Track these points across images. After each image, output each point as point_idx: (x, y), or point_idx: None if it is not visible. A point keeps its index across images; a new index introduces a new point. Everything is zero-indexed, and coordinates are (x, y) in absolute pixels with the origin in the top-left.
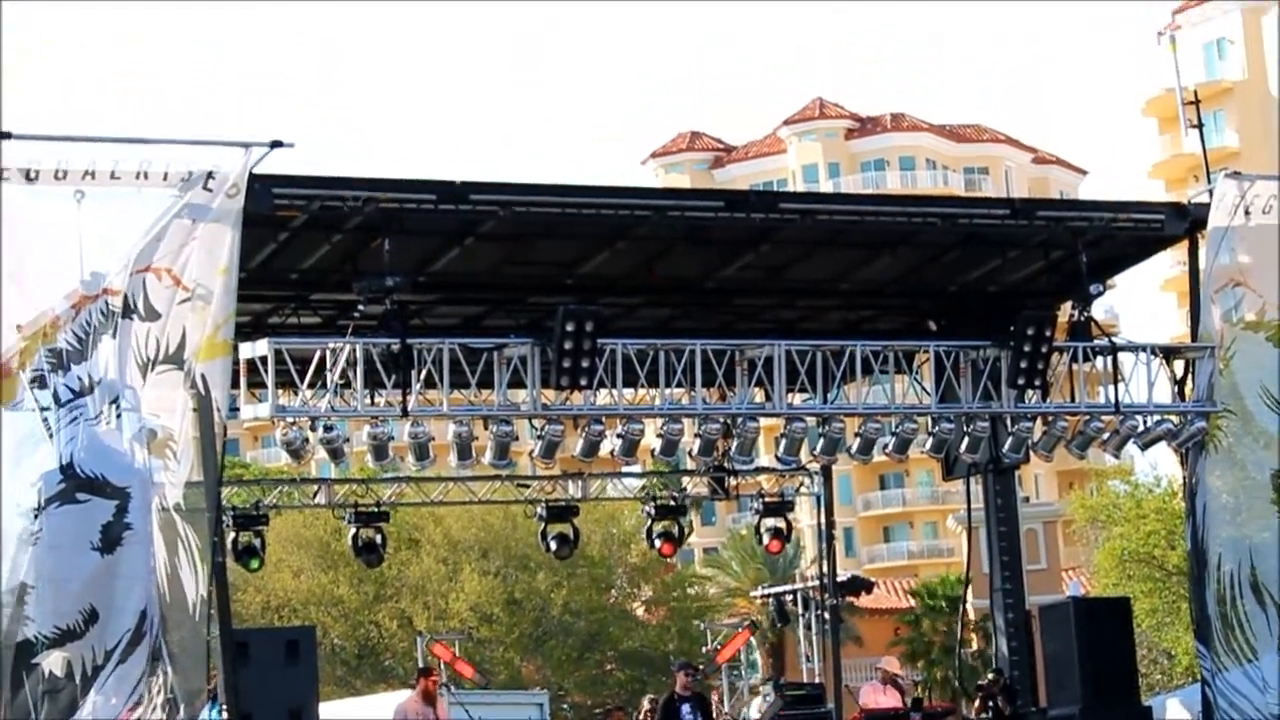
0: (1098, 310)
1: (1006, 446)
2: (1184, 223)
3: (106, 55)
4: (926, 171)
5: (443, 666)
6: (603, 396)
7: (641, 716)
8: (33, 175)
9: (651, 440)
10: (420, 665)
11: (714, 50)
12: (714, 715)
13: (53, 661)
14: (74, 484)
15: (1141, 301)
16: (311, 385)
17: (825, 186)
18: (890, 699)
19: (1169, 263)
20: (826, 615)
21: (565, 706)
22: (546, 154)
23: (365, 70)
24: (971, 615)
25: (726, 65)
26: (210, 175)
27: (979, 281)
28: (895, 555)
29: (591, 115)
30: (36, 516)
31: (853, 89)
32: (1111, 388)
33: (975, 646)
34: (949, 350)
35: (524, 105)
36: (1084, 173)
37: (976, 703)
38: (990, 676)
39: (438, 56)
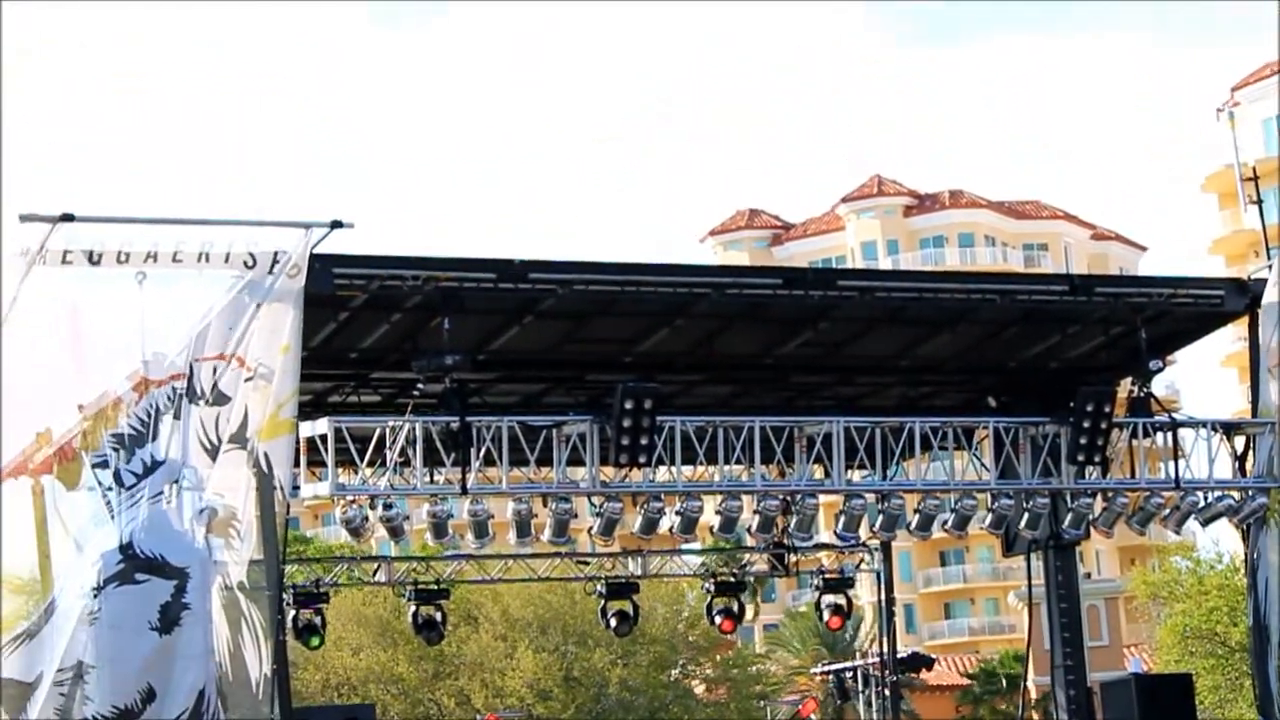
0: (1158, 386)
1: (1067, 522)
2: (1244, 298)
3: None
4: (985, 248)
5: None
6: (662, 473)
7: None
8: (95, 258)
9: (710, 517)
10: None
11: (773, 128)
12: None
13: None
14: (133, 564)
15: (1203, 377)
16: (371, 464)
17: (884, 263)
18: None
19: (1230, 338)
20: (887, 692)
21: None
22: (606, 229)
23: (421, 141)
24: (1033, 692)
25: (785, 143)
26: (272, 257)
27: (1038, 357)
28: (956, 632)
29: (651, 192)
30: (96, 596)
31: (911, 166)
32: (1172, 463)
33: (1032, 715)
34: (1008, 426)
35: (583, 180)
36: (1143, 249)
37: None
38: None
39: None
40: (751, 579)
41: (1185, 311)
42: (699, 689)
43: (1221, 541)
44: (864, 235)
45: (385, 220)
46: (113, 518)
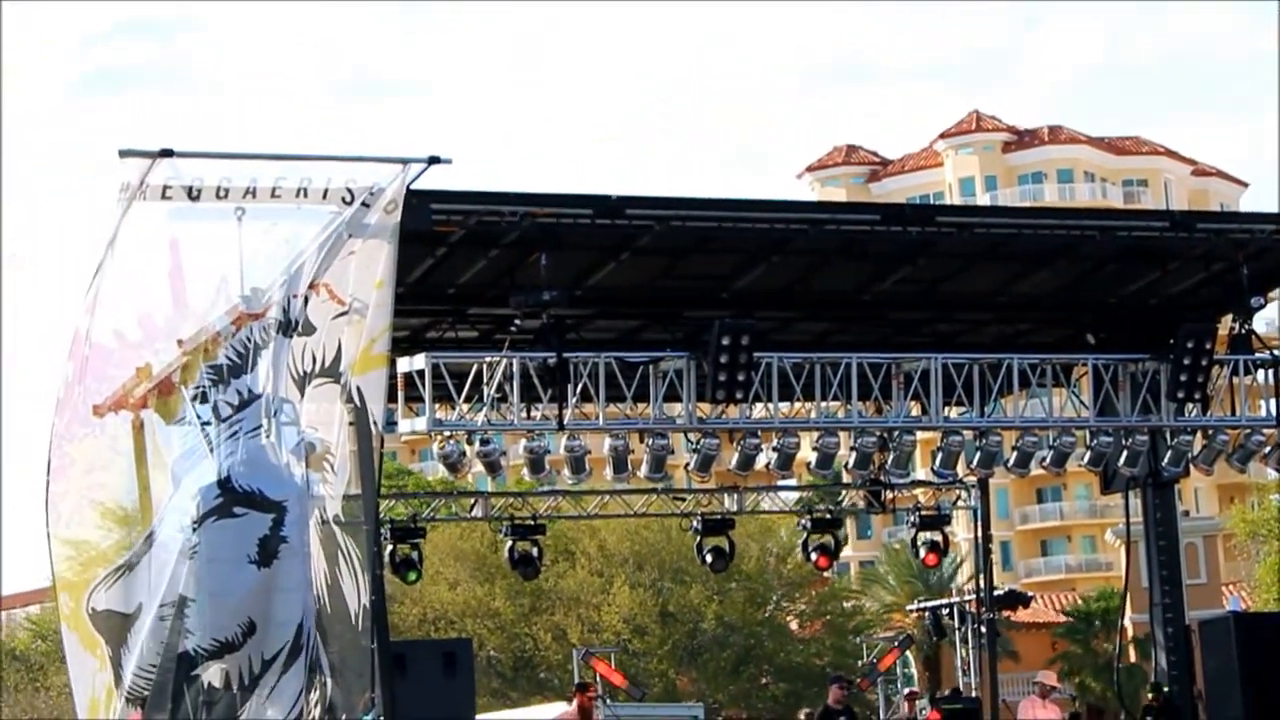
0: (1259, 322)
1: (1166, 460)
2: None
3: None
4: (1085, 184)
5: (599, 680)
6: (758, 410)
7: None
8: (195, 194)
9: (807, 454)
10: (577, 680)
11: (872, 63)
12: None
13: (211, 673)
14: (231, 498)
15: None
16: (468, 399)
17: (982, 200)
18: (1049, 713)
19: None
20: (983, 629)
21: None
22: (700, 168)
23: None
24: (1131, 630)
25: (884, 78)
26: (370, 192)
27: (1138, 294)
28: (1053, 569)
29: (746, 131)
30: (195, 530)
31: (1010, 102)
32: (1273, 401)
33: (1133, 660)
34: (1108, 364)
35: (676, 117)
36: (1245, 185)
37: None
38: (1150, 695)
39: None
40: (846, 515)
41: None
42: (793, 625)
43: None
44: (962, 171)
45: (482, 157)
46: (211, 451)
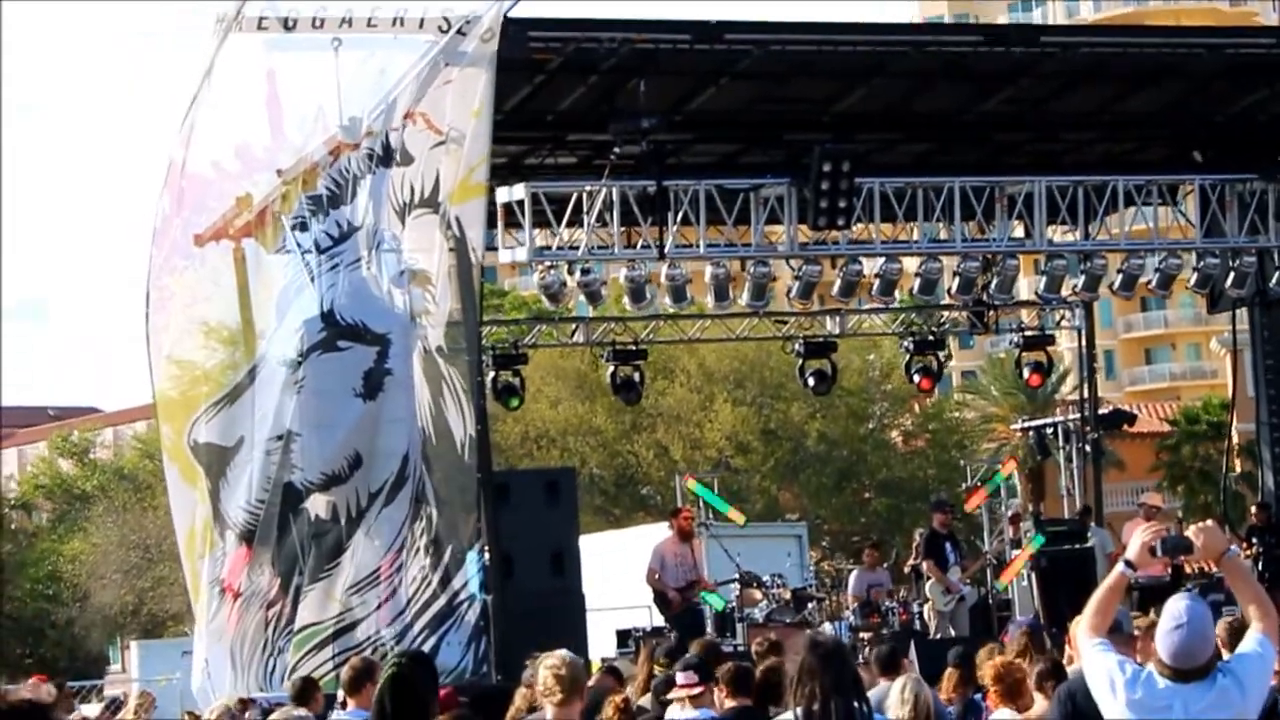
0: None
1: (1274, 281)
2: None
3: None
4: None
5: (701, 506)
6: (860, 231)
7: (911, 551)
8: (290, 24)
9: (909, 280)
10: (676, 504)
11: None
12: (973, 552)
13: (318, 505)
14: (335, 331)
15: None
16: (569, 225)
17: (1086, 5)
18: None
19: None
20: (1088, 449)
21: (824, 537)
22: None
23: None
24: (1236, 439)
25: None
26: (466, 21)
27: (1245, 112)
28: (1157, 378)
29: None
30: (300, 364)
31: None
32: None
33: (1239, 470)
34: (1214, 183)
35: None
36: None
37: (1244, 544)
38: (1255, 512)
39: None
40: (950, 335)
41: None
42: (896, 439)
43: None
44: None
45: None
46: (312, 281)
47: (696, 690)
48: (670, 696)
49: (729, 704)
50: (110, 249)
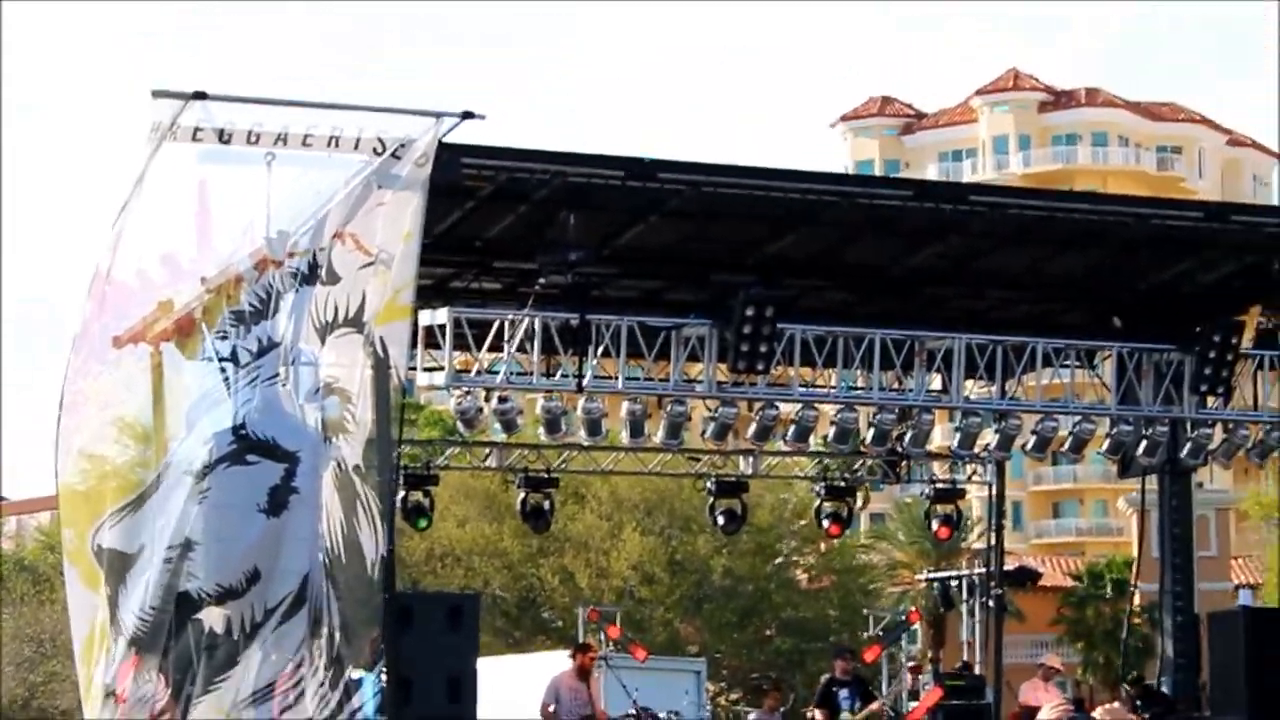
0: None
1: (1185, 451)
2: None
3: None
4: (1119, 148)
5: (604, 638)
6: (778, 374)
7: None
8: (226, 137)
9: (825, 424)
10: (580, 636)
11: (908, 16)
12: (872, 699)
13: (213, 617)
14: (245, 445)
15: None
16: (490, 350)
17: (1015, 159)
18: (1051, 697)
19: None
20: (991, 603)
21: (723, 672)
22: (734, 111)
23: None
24: (1138, 600)
25: (921, 32)
26: (401, 144)
27: (1169, 282)
28: (1063, 531)
29: (781, 77)
30: (206, 475)
31: (1048, 62)
32: None
33: (1138, 623)
34: (1132, 351)
35: (710, 70)
36: (1279, 156)
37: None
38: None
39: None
40: (862, 484)
41: None
42: (802, 578)
43: None
44: (996, 129)
45: (512, 114)
46: (229, 395)
47: None
48: None
49: None
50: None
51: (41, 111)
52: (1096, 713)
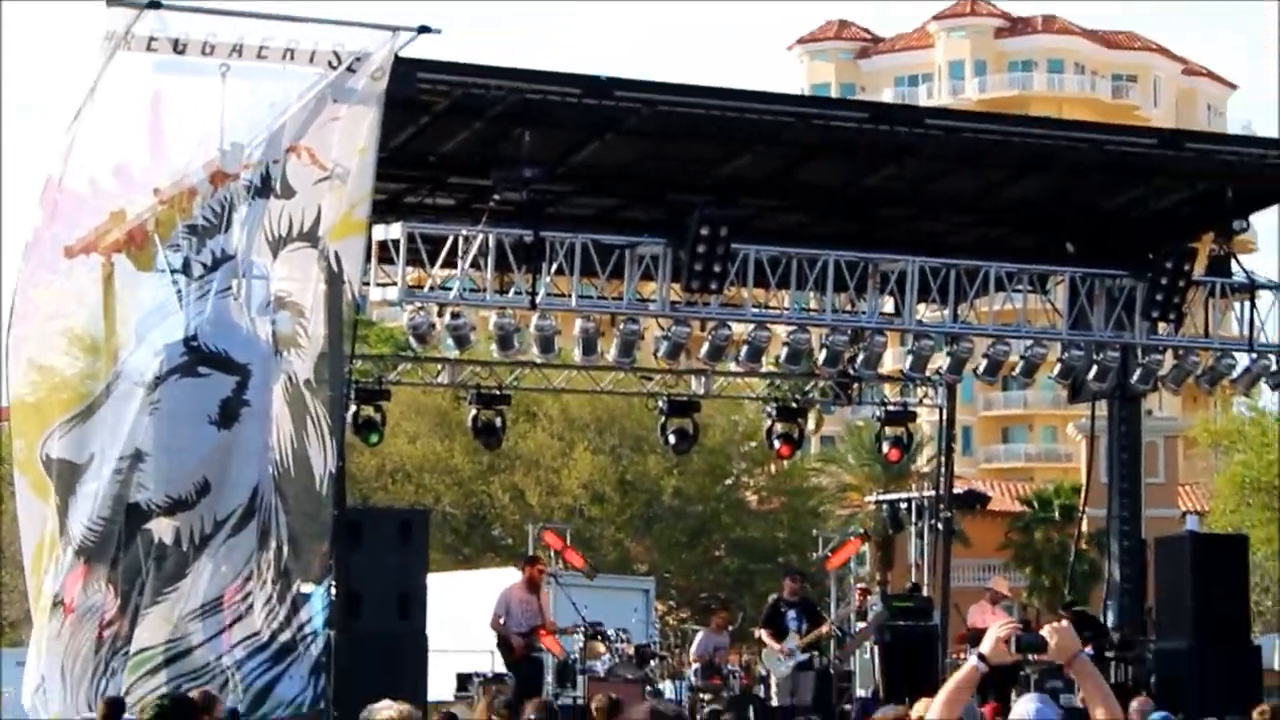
0: None
1: (1135, 377)
2: None
3: None
4: (1074, 75)
5: (552, 554)
6: (732, 294)
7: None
8: (180, 47)
9: (777, 345)
10: (530, 553)
11: None
12: (820, 621)
13: (162, 528)
14: (197, 357)
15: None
16: (443, 266)
17: (970, 84)
18: (999, 619)
19: None
20: (940, 526)
21: (672, 592)
22: (692, 36)
23: None
24: (1085, 525)
25: None
26: (357, 58)
27: (1121, 208)
28: (1012, 457)
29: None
30: (157, 386)
31: None
32: (1246, 324)
33: (1085, 548)
34: (1085, 276)
35: None
36: (1234, 86)
37: None
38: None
39: None
40: (813, 405)
41: (1275, 172)
42: (752, 500)
43: None
44: (952, 54)
45: (469, 29)
46: (181, 308)
47: None
48: None
49: None
50: None
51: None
52: (1045, 630)
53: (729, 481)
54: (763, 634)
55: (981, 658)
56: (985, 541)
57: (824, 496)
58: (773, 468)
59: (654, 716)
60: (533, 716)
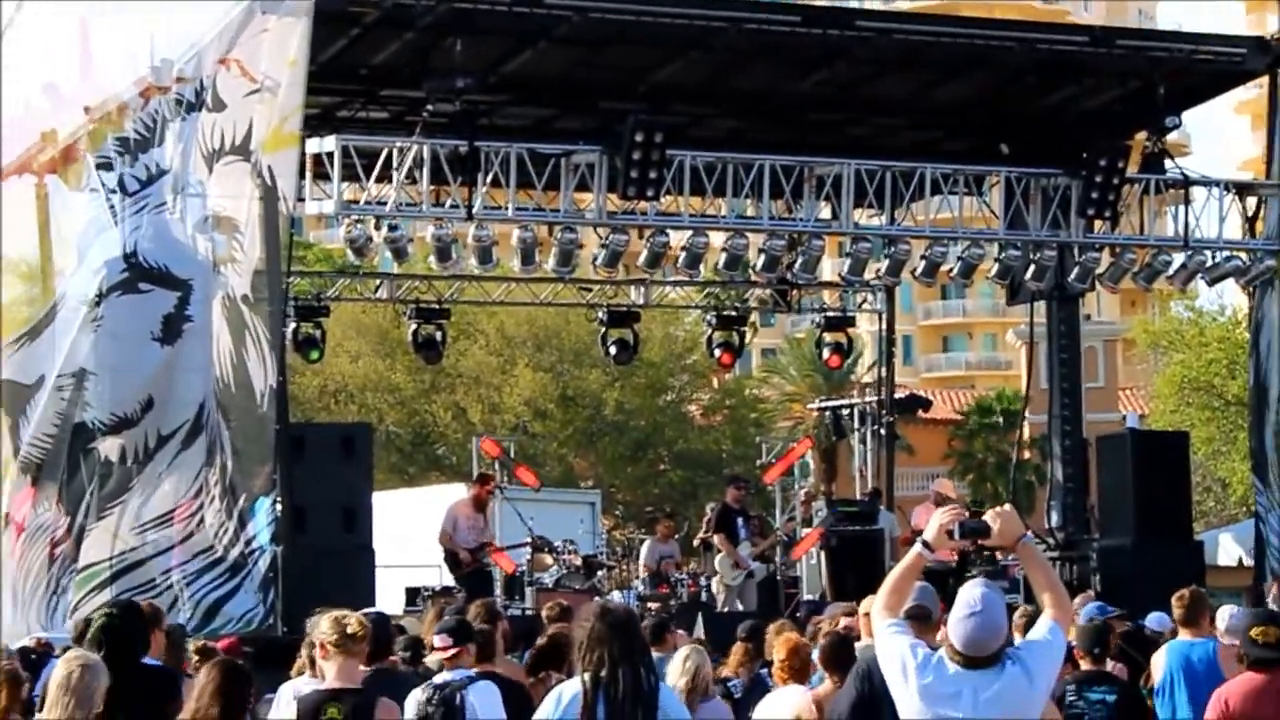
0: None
1: (1073, 276)
2: (1266, 58)
3: None
4: None
5: (497, 466)
6: (668, 203)
7: (703, 525)
8: None
9: (715, 254)
10: (478, 471)
11: None
12: (770, 530)
13: (108, 446)
14: (137, 273)
15: (1214, 124)
16: (378, 181)
17: None
18: None
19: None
20: (882, 432)
21: (617, 506)
22: None
23: None
24: (1028, 431)
25: None
26: None
27: (1054, 108)
28: (953, 365)
29: None
30: (99, 303)
31: None
32: (1181, 221)
33: (1028, 456)
34: (1020, 176)
35: None
36: None
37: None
38: None
39: None
40: (752, 312)
41: (1205, 68)
42: (694, 412)
43: (1225, 294)
44: None
45: None
46: (116, 224)
47: (452, 652)
48: (428, 660)
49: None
50: None
51: None
52: (988, 515)
53: (670, 396)
54: (717, 538)
55: (926, 544)
56: (928, 450)
57: (766, 407)
58: (715, 382)
59: (602, 613)
60: (454, 618)
